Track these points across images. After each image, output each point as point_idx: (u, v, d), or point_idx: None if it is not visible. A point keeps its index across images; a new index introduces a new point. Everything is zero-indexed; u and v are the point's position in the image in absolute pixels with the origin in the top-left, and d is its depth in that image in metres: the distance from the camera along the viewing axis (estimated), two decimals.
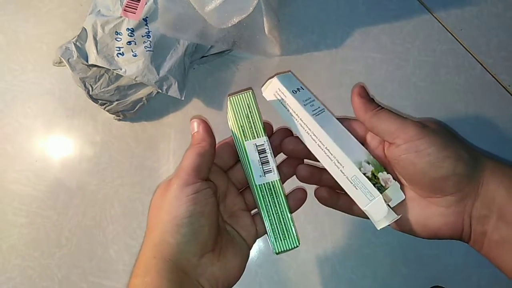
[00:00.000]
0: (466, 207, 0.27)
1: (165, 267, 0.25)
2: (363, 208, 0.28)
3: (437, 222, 0.28)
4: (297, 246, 0.30)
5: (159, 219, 0.27)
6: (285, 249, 0.31)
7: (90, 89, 0.44)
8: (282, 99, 0.30)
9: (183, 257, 0.26)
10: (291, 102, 0.30)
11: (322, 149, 0.29)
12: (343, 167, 0.28)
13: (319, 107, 0.31)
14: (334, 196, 0.33)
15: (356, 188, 0.28)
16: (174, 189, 0.27)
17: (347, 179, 0.28)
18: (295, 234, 0.31)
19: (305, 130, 0.29)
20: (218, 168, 0.32)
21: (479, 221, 0.27)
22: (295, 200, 0.33)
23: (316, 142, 0.29)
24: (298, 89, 0.31)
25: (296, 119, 0.29)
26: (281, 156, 0.34)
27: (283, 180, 0.33)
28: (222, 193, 0.31)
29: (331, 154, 0.28)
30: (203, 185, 0.27)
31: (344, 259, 0.45)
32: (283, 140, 0.31)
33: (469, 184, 0.26)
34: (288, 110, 0.30)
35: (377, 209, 0.27)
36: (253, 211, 0.33)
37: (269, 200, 0.30)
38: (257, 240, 0.46)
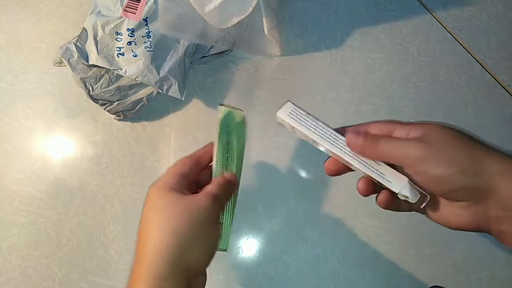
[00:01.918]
0: (480, 209, 0.28)
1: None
2: (397, 191, 0.30)
3: (456, 220, 0.29)
4: (224, 250, 0.33)
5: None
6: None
7: (91, 89, 0.44)
8: (300, 117, 0.32)
9: None
10: (310, 118, 0.32)
11: (351, 155, 0.31)
12: (372, 166, 0.31)
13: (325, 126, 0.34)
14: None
15: (390, 181, 0.30)
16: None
17: (379, 174, 0.30)
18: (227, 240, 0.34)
19: (330, 140, 0.31)
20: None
21: (496, 221, 0.28)
22: None
23: (344, 150, 0.31)
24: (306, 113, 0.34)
25: (319, 132, 0.32)
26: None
27: None
28: None
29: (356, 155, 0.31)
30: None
31: (343, 258, 0.45)
32: (325, 165, 0.34)
33: (478, 193, 0.27)
34: (310, 126, 0.32)
35: (409, 189, 0.29)
36: None
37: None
38: (257, 241, 0.46)
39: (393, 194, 0.30)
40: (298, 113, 0.33)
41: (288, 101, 0.33)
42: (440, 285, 0.44)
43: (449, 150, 0.27)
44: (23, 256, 0.46)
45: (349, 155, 0.31)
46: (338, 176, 0.46)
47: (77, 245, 0.46)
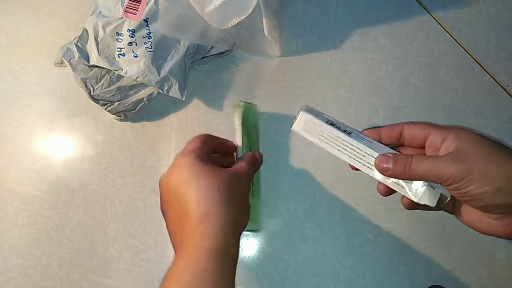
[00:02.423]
0: None
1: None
2: (416, 200, 0.31)
3: (488, 228, 0.30)
4: (257, 231, 0.41)
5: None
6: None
7: (92, 89, 0.44)
8: (316, 130, 0.32)
9: None
10: (328, 128, 0.32)
11: (365, 164, 0.31)
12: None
13: (346, 128, 0.33)
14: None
15: (408, 191, 0.31)
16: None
17: (397, 183, 0.31)
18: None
19: (348, 151, 0.31)
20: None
21: None
22: None
23: (361, 161, 0.31)
24: (324, 118, 0.33)
25: (337, 146, 0.32)
26: None
27: None
28: None
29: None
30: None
31: (343, 258, 0.45)
32: (378, 186, 0.34)
33: (511, 207, 0.28)
34: (328, 139, 0.32)
35: (428, 197, 0.30)
36: None
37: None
38: (257, 240, 0.46)
39: None
40: (313, 124, 0.32)
41: (302, 109, 0.32)
42: (440, 285, 0.44)
43: (483, 168, 0.27)
44: (23, 256, 0.47)
45: (364, 165, 0.31)
46: (338, 176, 0.47)
47: (77, 244, 0.47)
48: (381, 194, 0.34)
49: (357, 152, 0.31)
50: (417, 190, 0.30)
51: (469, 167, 0.27)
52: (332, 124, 0.32)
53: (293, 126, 0.32)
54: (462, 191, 0.28)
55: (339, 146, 0.31)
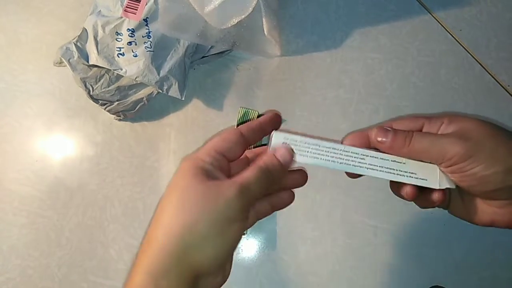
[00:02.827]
0: None
1: None
2: (438, 187, 0.27)
3: (488, 218, 0.27)
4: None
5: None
6: None
7: (91, 89, 0.44)
8: (296, 147, 0.27)
9: None
10: (307, 142, 0.27)
11: (370, 167, 0.28)
12: (399, 169, 0.27)
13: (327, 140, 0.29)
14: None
15: (425, 179, 0.27)
16: None
17: (410, 176, 0.27)
18: None
19: (340, 161, 0.27)
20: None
21: None
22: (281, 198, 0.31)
23: (361, 165, 0.27)
24: (299, 135, 0.28)
25: (324, 156, 0.27)
26: None
27: None
28: None
29: (378, 165, 0.28)
30: None
31: (343, 259, 0.45)
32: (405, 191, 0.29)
33: None
34: (313, 153, 0.27)
35: (447, 180, 0.27)
36: None
37: None
38: (257, 241, 0.46)
39: (418, 187, 0.27)
40: (293, 141, 0.27)
41: (273, 131, 0.27)
42: (440, 285, 0.44)
43: (491, 147, 0.25)
44: (22, 256, 0.46)
45: (368, 168, 0.27)
46: (337, 177, 0.47)
47: (77, 245, 0.46)
48: (410, 198, 0.29)
49: (354, 157, 0.27)
50: (436, 179, 0.27)
51: (476, 145, 0.24)
52: (312, 137, 0.27)
53: (270, 149, 0.27)
54: (467, 173, 0.25)
55: (331, 156, 0.27)
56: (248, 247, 0.46)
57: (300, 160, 0.27)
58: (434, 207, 0.29)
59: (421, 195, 0.29)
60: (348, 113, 0.48)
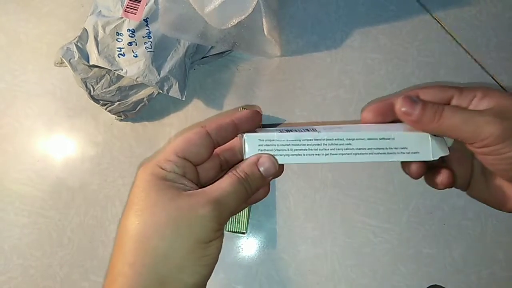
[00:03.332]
0: None
1: None
2: (432, 158, 0.25)
3: None
4: (243, 233, 0.44)
5: None
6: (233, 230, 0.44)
7: (92, 89, 0.44)
8: (273, 147, 0.24)
9: None
10: (287, 138, 0.24)
11: (356, 152, 0.24)
12: (387, 147, 0.24)
13: (307, 127, 0.26)
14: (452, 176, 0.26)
15: (418, 152, 0.24)
16: None
17: (402, 152, 0.24)
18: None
19: (328, 151, 0.24)
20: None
21: None
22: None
23: (349, 153, 0.24)
24: (274, 129, 0.25)
25: (307, 151, 0.24)
26: None
27: None
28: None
29: (367, 148, 0.24)
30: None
31: (343, 258, 0.45)
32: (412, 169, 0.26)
33: None
34: (294, 151, 0.24)
35: (442, 149, 0.25)
36: None
37: None
38: (257, 240, 0.46)
39: (424, 162, 0.25)
40: (268, 143, 0.24)
41: (244, 134, 0.24)
42: (440, 285, 0.44)
43: None
44: (24, 256, 0.47)
45: (356, 154, 0.24)
46: (337, 177, 0.47)
47: (78, 245, 0.47)
48: (413, 176, 0.26)
49: (340, 144, 0.24)
50: (424, 147, 0.24)
51: None
52: (289, 130, 0.24)
53: (245, 156, 0.23)
54: (502, 156, 0.22)
55: (314, 150, 0.24)
56: (248, 246, 0.46)
57: (282, 161, 0.24)
58: (445, 188, 0.26)
59: (429, 173, 0.26)
60: (348, 113, 0.48)
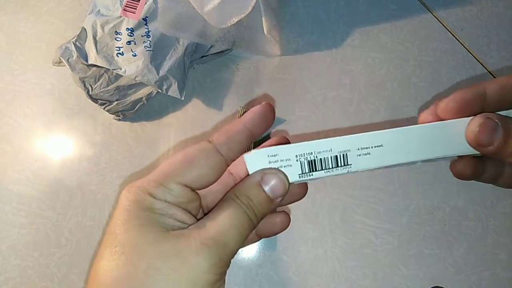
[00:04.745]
0: None
1: None
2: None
3: None
4: None
5: None
6: None
7: (90, 89, 0.44)
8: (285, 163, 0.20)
9: None
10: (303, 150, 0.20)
11: (391, 152, 0.21)
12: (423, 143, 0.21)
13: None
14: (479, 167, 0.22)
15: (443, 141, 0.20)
16: None
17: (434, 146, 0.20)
18: None
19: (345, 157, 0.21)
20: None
21: None
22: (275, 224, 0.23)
23: (381, 154, 0.20)
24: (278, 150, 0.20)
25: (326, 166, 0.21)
26: None
27: None
28: None
29: (402, 143, 0.20)
30: None
31: (344, 259, 0.45)
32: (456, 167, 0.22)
33: None
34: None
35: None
36: None
37: None
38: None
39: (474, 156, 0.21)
40: (280, 158, 0.19)
41: (244, 155, 0.19)
42: (440, 286, 0.44)
43: None
44: (22, 256, 0.46)
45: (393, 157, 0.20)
46: (338, 177, 0.46)
47: (76, 245, 0.46)
48: (460, 176, 0.22)
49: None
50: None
51: None
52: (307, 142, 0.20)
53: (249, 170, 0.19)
54: None
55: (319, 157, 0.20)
56: (248, 247, 0.46)
57: (294, 180, 0.20)
58: (471, 179, 0.22)
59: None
60: (349, 113, 0.48)
